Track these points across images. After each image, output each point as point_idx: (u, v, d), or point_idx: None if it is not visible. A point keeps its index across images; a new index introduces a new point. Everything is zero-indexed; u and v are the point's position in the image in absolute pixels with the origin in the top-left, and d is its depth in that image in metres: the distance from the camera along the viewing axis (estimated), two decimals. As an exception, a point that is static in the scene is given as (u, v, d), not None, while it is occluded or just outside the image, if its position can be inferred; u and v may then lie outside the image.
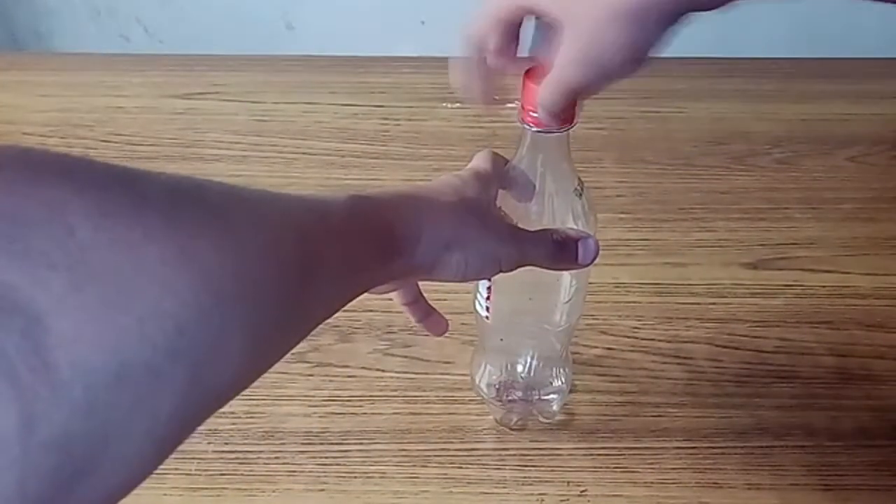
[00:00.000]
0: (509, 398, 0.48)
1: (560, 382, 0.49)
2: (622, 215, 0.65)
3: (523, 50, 0.38)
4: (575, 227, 0.39)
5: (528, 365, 0.49)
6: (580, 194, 0.39)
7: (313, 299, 0.26)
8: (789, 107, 0.78)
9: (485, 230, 0.34)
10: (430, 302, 0.57)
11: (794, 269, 0.60)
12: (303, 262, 0.24)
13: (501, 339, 0.47)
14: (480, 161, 0.38)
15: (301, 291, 0.24)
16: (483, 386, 0.49)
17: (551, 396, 0.49)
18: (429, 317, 0.42)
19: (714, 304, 0.57)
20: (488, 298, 0.42)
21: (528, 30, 0.37)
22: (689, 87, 0.81)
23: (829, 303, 0.57)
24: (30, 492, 0.16)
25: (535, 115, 0.35)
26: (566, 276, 0.41)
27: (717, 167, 0.70)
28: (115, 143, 0.73)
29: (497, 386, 0.49)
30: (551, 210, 0.39)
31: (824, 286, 0.58)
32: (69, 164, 0.19)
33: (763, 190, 0.68)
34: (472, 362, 0.50)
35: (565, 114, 0.35)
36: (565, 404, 0.50)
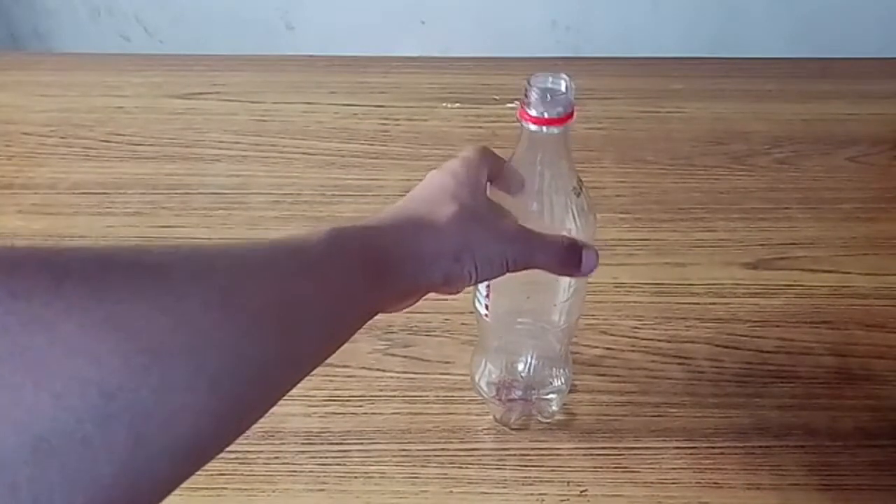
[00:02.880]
0: (509, 397, 0.48)
1: (560, 382, 0.49)
2: (622, 215, 0.65)
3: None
4: (574, 225, 0.39)
5: (527, 364, 0.49)
6: (579, 193, 0.39)
7: (298, 338, 0.25)
8: (789, 107, 0.78)
9: (492, 234, 0.34)
10: (431, 302, 0.57)
11: (794, 269, 0.60)
12: (277, 303, 0.24)
13: (501, 338, 0.47)
14: (468, 150, 0.38)
15: (279, 333, 0.24)
16: (483, 385, 0.49)
17: (551, 396, 0.49)
18: None
19: (714, 304, 0.57)
20: (487, 296, 0.42)
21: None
22: (689, 87, 0.81)
23: (829, 303, 0.57)
24: None
25: (532, 113, 0.35)
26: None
27: (717, 167, 0.70)
28: (115, 143, 0.73)
29: (497, 385, 0.49)
30: (550, 208, 0.39)
31: (824, 286, 0.58)
32: None
33: (763, 190, 0.68)
34: (472, 361, 0.50)
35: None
36: (565, 404, 0.50)
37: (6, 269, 0.18)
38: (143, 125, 0.75)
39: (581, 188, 0.39)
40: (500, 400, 0.48)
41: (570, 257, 0.36)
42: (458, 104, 0.77)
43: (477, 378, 0.49)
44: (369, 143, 0.73)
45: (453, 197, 0.34)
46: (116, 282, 0.20)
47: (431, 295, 0.58)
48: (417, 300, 0.36)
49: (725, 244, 0.62)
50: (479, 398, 0.50)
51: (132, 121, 0.76)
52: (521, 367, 0.49)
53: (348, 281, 0.28)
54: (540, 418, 0.49)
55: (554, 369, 0.49)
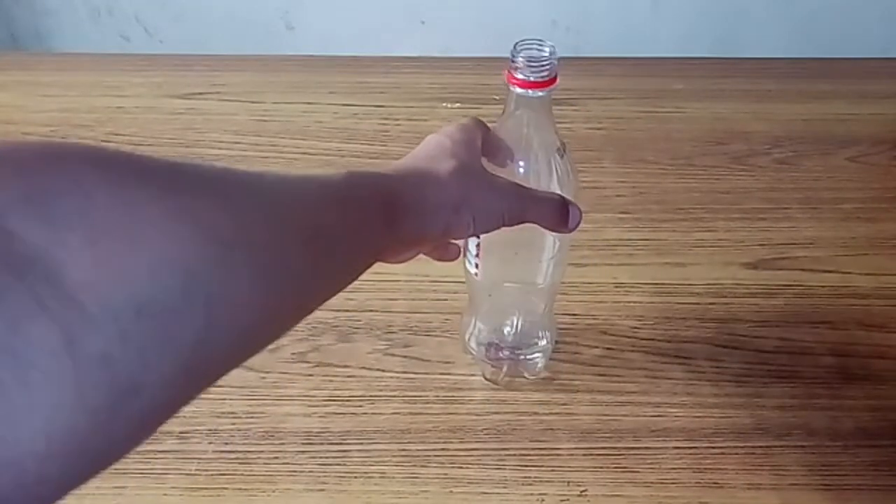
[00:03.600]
0: (497, 356, 0.50)
1: (544, 341, 0.51)
2: (622, 215, 0.64)
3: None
4: (558, 184, 0.42)
5: (514, 324, 0.51)
6: (562, 155, 0.41)
7: (321, 259, 0.28)
8: (789, 107, 0.78)
9: (489, 189, 0.36)
10: (431, 302, 0.57)
11: (794, 269, 0.60)
12: (303, 223, 0.27)
13: (489, 297, 0.49)
14: (463, 119, 0.40)
15: (307, 250, 0.26)
16: (473, 344, 0.50)
17: (536, 355, 0.51)
18: (443, 248, 0.43)
19: (714, 304, 0.57)
20: (477, 255, 0.44)
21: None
22: (689, 87, 0.81)
23: (829, 303, 0.57)
24: (89, 399, 0.18)
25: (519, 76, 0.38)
26: (549, 233, 0.43)
27: (717, 167, 0.70)
28: (116, 143, 0.73)
29: (485, 344, 0.50)
30: (536, 167, 0.41)
31: (824, 286, 0.58)
32: (87, 148, 0.21)
33: (763, 190, 0.68)
34: (461, 322, 0.52)
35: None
36: (564, 404, 0.50)
37: (109, 163, 0.21)
38: (143, 125, 0.75)
39: (564, 150, 0.41)
40: (488, 358, 0.50)
41: (558, 213, 0.38)
42: (458, 104, 0.77)
43: (466, 337, 0.50)
44: (369, 143, 0.73)
45: (452, 154, 0.36)
46: (186, 183, 0.23)
47: (431, 295, 0.58)
48: (417, 253, 0.38)
49: (725, 244, 0.62)
50: (478, 398, 0.50)
51: (132, 121, 0.76)
52: (507, 326, 0.51)
53: (365, 216, 0.31)
54: (527, 375, 0.51)
55: (539, 329, 0.51)
